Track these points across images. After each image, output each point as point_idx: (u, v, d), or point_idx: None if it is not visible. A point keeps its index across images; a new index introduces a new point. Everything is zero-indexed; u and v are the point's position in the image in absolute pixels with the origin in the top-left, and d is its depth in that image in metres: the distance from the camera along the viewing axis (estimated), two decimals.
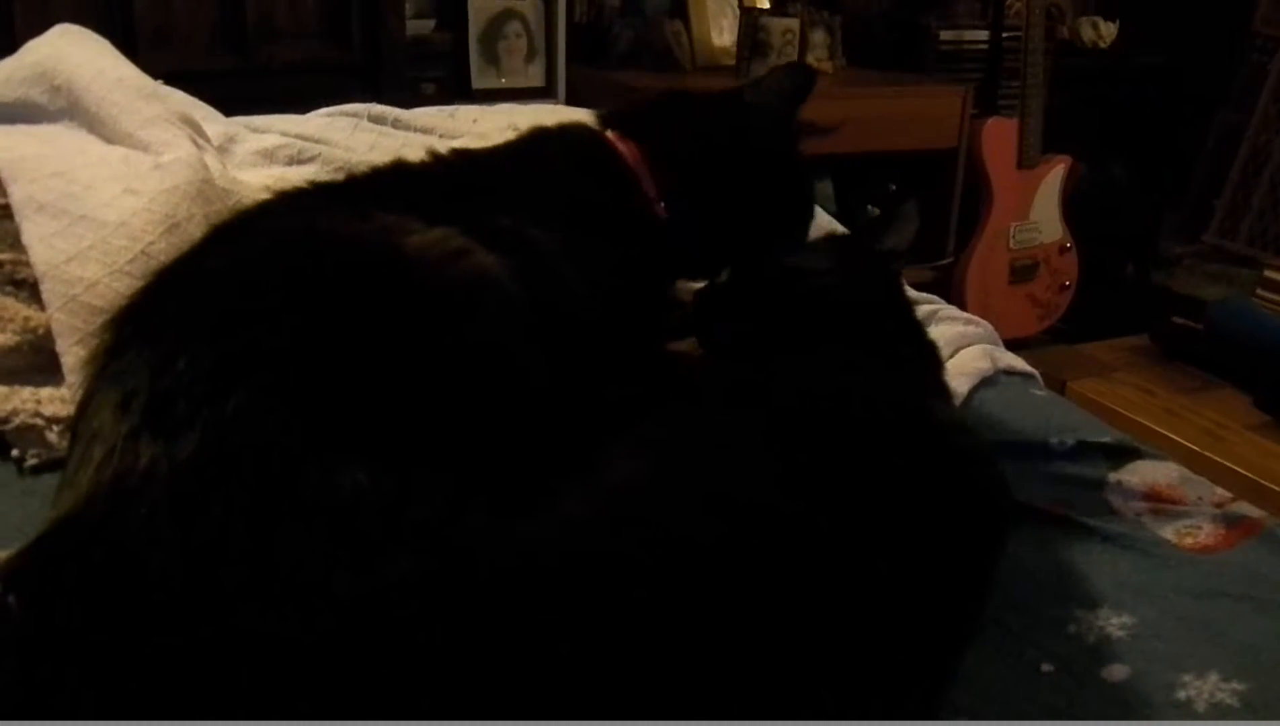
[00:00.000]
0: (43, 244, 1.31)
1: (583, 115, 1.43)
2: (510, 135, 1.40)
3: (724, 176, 1.34)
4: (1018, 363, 1.73)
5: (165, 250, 1.30)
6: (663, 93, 1.50)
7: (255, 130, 1.84)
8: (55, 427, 1.24)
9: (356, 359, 0.88)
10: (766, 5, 3.84)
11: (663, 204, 1.30)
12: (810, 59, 3.87)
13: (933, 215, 3.85)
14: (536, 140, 1.36)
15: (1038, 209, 3.87)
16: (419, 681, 0.73)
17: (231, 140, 1.78)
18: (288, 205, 1.14)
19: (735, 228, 1.35)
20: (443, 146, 1.37)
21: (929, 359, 1.28)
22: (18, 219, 1.35)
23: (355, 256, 0.98)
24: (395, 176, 1.23)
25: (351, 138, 1.85)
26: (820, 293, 1.24)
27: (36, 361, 1.32)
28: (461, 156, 1.30)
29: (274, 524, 0.76)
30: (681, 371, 1.33)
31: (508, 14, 3.41)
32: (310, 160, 1.76)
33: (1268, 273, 3.46)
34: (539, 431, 0.98)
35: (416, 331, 0.94)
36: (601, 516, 0.86)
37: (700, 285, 1.38)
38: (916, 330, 1.31)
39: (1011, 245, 3.83)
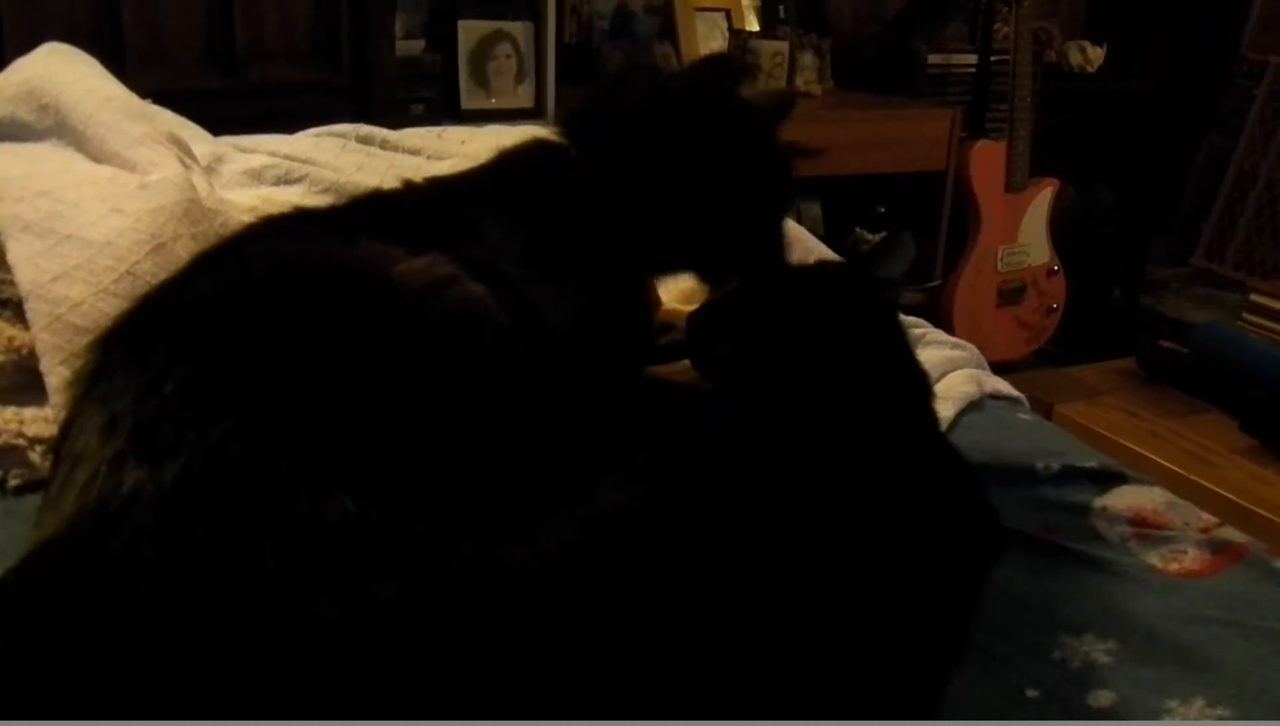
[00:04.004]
0: (28, 263, 1.31)
1: (540, 130, 1.40)
2: None
3: (669, 183, 1.29)
4: (1004, 387, 1.73)
5: (151, 270, 1.30)
6: (596, 95, 1.44)
7: (243, 150, 1.84)
8: (38, 448, 1.24)
9: (345, 385, 0.88)
10: (756, 28, 3.85)
11: (623, 216, 1.26)
12: (799, 82, 3.88)
13: (921, 238, 3.86)
14: (502, 164, 1.32)
15: (1025, 232, 3.88)
16: (399, 702, 0.73)
17: (219, 160, 1.78)
18: (274, 230, 1.14)
19: (698, 231, 1.31)
20: (430, 168, 1.36)
21: (919, 387, 1.28)
22: (3, 238, 1.35)
23: (344, 282, 0.98)
24: (372, 205, 1.23)
25: (339, 158, 1.85)
26: (815, 320, 1.24)
27: (20, 381, 1.32)
28: (433, 185, 1.29)
29: (259, 550, 0.76)
30: (670, 396, 1.33)
31: (497, 35, 3.41)
32: (298, 180, 1.76)
33: (1254, 296, 3.48)
34: (528, 460, 0.97)
35: (407, 358, 0.94)
36: (588, 542, 0.86)
37: (692, 308, 1.37)
38: (908, 358, 1.31)
39: (999, 268, 3.84)
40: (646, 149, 1.29)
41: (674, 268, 1.38)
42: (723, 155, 1.30)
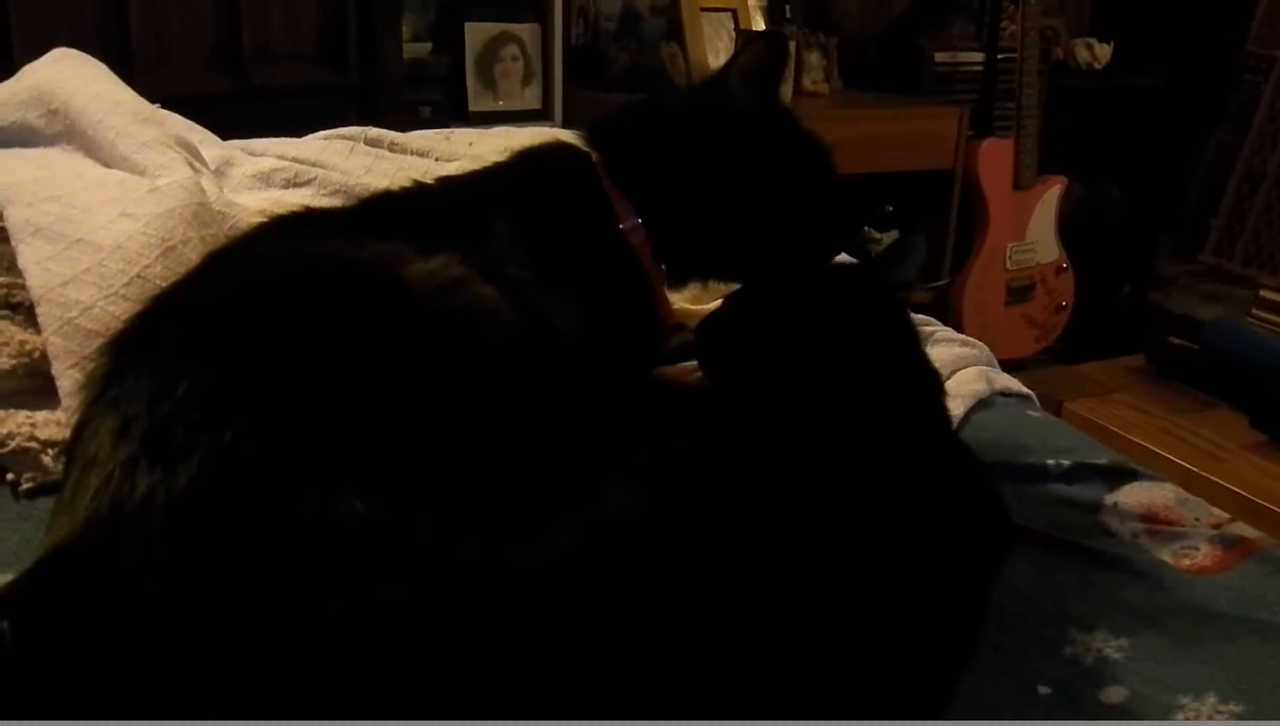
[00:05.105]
0: (39, 267, 1.31)
1: (564, 133, 1.40)
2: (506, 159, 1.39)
3: (702, 184, 1.30)
4: (1014, 384, 1.73)
5: (161, 274, 1.30)
6: (638, 101, 1.45)
7: (252, 153, 1.84)
8: (51, 451, 1.24)
9: (357, 387, 0.88)
10: (762, 28, 3.85)
11: (640, 222, 1.27)
12: (806, 81, 3.89)
13: (929, 236, 3.86)
14: (516, 165, 1.33)
15: (1034, 229, 3.87)
16: (409, 701, 0.73)
17: (228, 163, 1.78)
18: (284, 231, 1.14)
19: (729, 237, 1.31)
20: (438, 170, 1.36)
21: (931, 386, 1.28)
22: (14, 242, 1.35)
23: (355, 284, 0.98)
24: (383, 206, 1.23)
25: (348, 161, 1.85)
26: (826, 323, 1.24)
27: (32, 385, 1.32)
28: (446, 184, 1.29)
29: (271, 553, 0.76)
30: (679, 399, 1.32)
31: (504, 37, 3.42)
32: (306, 183, 1.76)
33: (1263, 292, 3.47)
34: (537, 461, 0.97)
35: (417, 360, 0.94)
36: (595, 544, 0.86)
37: (703, 308, 1.37)
38: (920, 358, 1.31)
39: (1008, 266, 3.84)
40: (680, 151, 1.29)
41: (704, 271, 1.38)
42: (763, 156, 1.30)
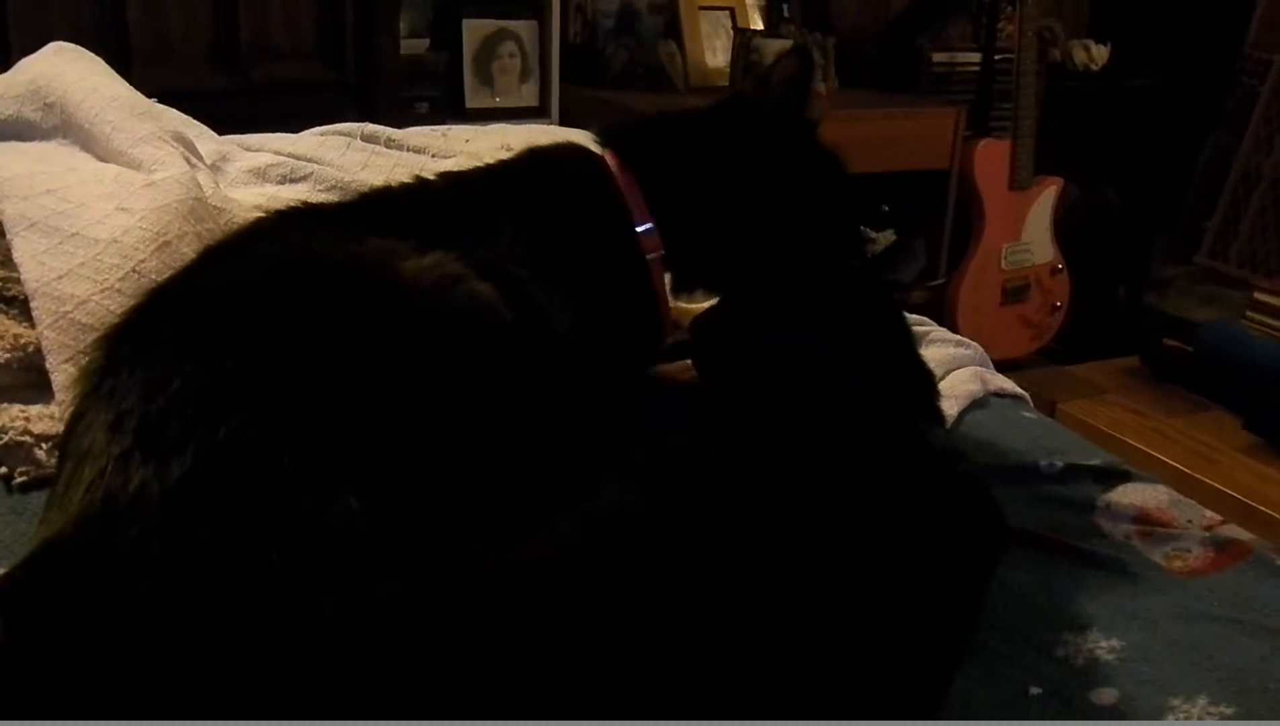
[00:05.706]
0: (34, 261, 1.31)
1: (577, 135, 1.41)
2: (503, 155, 1.39)
3: (725, 197, 1.31)
4: (1008, 385, 1.73)
5: (156, 268, 1.30)
6: (663, 112, 1.47)
7: (248, 148, 1.84)
8: (44, 445, 1.24)
9: (352, 383, 0.88)
10: (760, 27, 3.85)
11: (651, 227, 1.28)
12: None
13: (925, 236, 3.86)
14: (526, 163, 1.34)
15: (1029, 230, 3.87)
16: (407, 698, 0.73)
17: (224, 158, 1.78)
18: (281, 226, 1.14)
19: (745, 249, 1.32)
20: (435, 166, 1.36)
21: (925, 386, 1.28)
22: (9, 236, 1.35)
23: (351, 280, 0.98)
24: (383, 201, 1.23)
25: (344, 157, 1.85)
26: (821, 324, 1.24)
27: (26, 379, 1.32)
28: (450, 180, 1.29)
29: (264, 548, 0.76)
30: (675, 396, 1.33)
31: (502, 34, 3.42)
32: (302, 179, 1.76)
33: (1258, 295, 3.47)
34: (534, 458, 0.97)
35: (414, 357, 0.94)
36: (593, 540, 0.86)
37: (701, 306, 1.37)
38: (915, 358, 1.31)
39: (1003, 266, 3.83)
40: (713, 162, 1.30)
41: (714, 279, 1.37)
42: (791, 171, 1.34)
